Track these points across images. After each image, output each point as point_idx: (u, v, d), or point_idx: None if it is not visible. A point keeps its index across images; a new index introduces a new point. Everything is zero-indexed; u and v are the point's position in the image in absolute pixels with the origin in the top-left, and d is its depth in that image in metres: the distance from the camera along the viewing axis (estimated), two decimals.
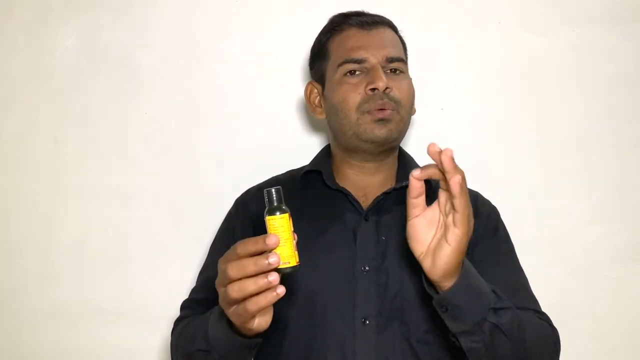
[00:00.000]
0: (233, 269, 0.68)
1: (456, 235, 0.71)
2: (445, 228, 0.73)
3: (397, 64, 1.00)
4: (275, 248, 0.68)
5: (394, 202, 0.99)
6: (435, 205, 0.75)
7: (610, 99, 1.27)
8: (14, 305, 1.38)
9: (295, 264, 0.72)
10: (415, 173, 0.72)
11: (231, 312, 0.72)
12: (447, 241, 0.72)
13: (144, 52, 1.36)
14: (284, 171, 1.12)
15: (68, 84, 1.38)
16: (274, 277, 0.67)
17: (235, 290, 0.68)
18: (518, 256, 1.03)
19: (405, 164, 1.05)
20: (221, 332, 0.79)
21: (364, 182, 1.03)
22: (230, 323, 0.76)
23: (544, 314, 0.95)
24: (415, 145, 1.23)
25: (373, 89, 0.96)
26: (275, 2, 1.33)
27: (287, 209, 0.72)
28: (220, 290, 0.72)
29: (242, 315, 0.71)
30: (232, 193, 1.10)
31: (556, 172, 1.28)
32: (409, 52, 1.09)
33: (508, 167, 1.29)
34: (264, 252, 0.68)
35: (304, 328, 0.93)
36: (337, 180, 1.02)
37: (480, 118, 1.30)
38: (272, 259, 0.67)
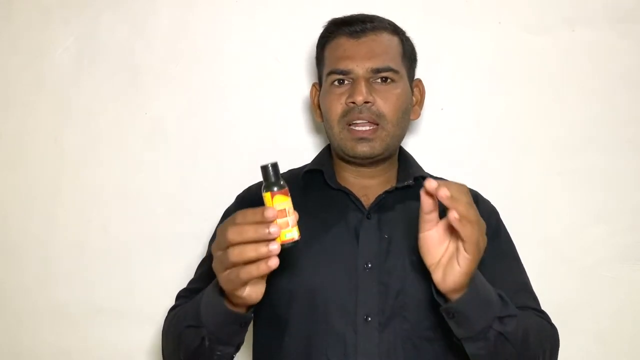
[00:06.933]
0: (233, 233, 0.69)
1: (467, 260, 0.72)
2: (457, 250, 0.73)
3: (386, 74, 0.98)
4: (272, 221, 0.69)
5: (396, 200, 0.99)
6: (446, 219, 0.75)
7: (610, 99, 1.27)
8: (14, 305, 1.38)
9: (295, 238, 0.72)
10: (428, 186, 0.70)
11: (223, 276, 0.73)
12: (458, 263, 0.73)
13: (144, 52, 1.36)
14: (284, 171, 1.12)
15: (68, 84, 1.38)
16: (275, 247, 0.68)
17: (235, 254, 0.69)
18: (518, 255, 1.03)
19: (407, 163, 1.05)
20: (213, 305, 0.79)
21: (364, 183, 1.03)
22: (223, 298, 0.77)
23: (543, 313, 0.96)
24: (415, 146, 1.23)
25: (353, 102, 0.96)
26: (275, 2, 1.33)
27: (284, 184, 0.72)
28: (217, 254, 0.73)
29: (233, 281, 0.72)
30: (232, 193, 1.10)
31: (556, 172, 1.27)
32: None
33: (508, 167, 1.29)
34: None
35: (305, 325, 0.93)
36: (338, 180, 1.02)
37: (480, 118, 1.30)
38: (272, 229, 0.68)
